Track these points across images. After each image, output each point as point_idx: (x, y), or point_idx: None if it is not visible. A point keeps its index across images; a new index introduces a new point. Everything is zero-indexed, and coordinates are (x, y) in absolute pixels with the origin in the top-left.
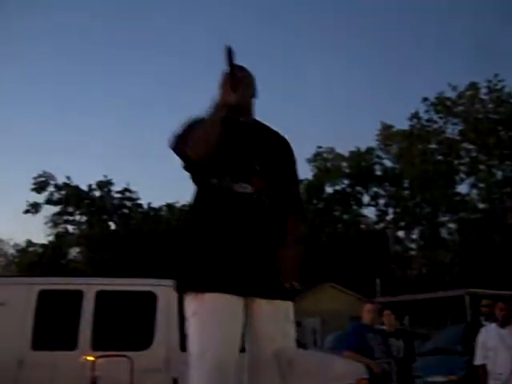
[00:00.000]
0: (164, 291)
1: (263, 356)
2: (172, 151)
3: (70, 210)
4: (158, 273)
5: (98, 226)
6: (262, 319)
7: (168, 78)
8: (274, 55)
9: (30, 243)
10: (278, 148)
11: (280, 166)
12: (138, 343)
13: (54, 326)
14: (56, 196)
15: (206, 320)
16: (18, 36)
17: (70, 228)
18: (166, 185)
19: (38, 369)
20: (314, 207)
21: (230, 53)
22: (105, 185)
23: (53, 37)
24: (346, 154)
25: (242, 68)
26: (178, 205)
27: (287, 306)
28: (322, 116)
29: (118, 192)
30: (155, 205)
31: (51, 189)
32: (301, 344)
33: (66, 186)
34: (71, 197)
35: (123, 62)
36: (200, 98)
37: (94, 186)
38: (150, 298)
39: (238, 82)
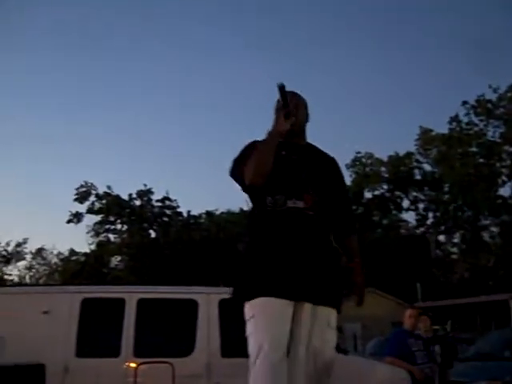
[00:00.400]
0: (205, 298)
1: (299, 359)
2: (231, 178)
3: (112, 219)
4: (198, 280)
5: (139, 235)
6: (303, 324)
7: (207, 85)
8: (311, 57)
9: (72, 252)
10: (327, 168)
11: (330, 185)
12: (179, 350)
13: (97, 333)
14: (97, 205)
15: (258, 322)
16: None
17: (112, 237)
18: (205, 193)
19: (83, 375)
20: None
21: (282, 88)
22: (145, 194)
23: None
24: (385, 159)
25: (295, 94)
26: (218, 212)
27: (330, 313)
28: (360, 121)
29: (157, 201)
30: (195, 213)
31: (93, 198)
32: (341, 349)
33: (107, 195)
34: (112, 206)
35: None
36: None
37: (134, 195)
38: (191, 306)
39: (291, 111)
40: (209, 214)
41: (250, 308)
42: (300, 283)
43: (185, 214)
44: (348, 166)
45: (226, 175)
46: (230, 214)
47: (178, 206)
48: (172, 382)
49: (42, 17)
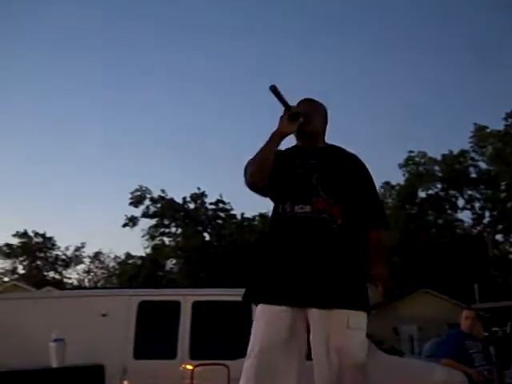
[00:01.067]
0: None
1: (317, 363)
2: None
3: (166, 222)
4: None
5: (193, 238)
6: (316, 328)
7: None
8: (363, 58)
9: (129, 256)
10: (346, 167)
11: (349, 184)
12: (235, 352)
13: (153, 335)
14: (152, 209)
15: (256, 326)
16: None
17: (167, 240)
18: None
19: (140, 377)
20: (406, 212)
21: (274, 91)
22: (198, 197)
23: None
24: (439, 158)
25: (308, 100)
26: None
27: (348, 315)
28: (412, 120)
29: (211, 203)
30: (248, 215)
31: (147, 202)
32: (397, 351)
33: (162, 199)
34: (166, 210)
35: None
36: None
37: (188, 199)
38: (245, 308)
39: (296, 113)
40: (262, 216)
41: (255, 313)
42: (298, 289)
43: (239, 217)
44: (401, 166)
45: None
46: None
47: (232, 209)
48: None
49: None
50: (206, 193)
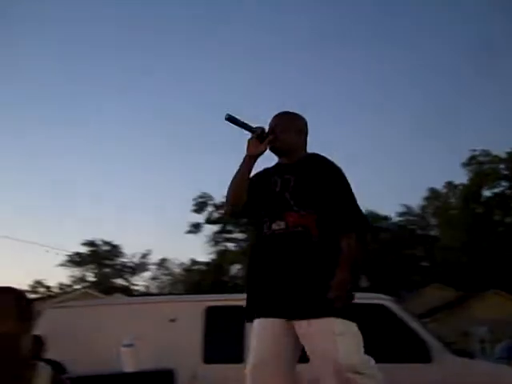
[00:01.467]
0: None
1: (314, 370)
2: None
3: (229, 228)
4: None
5: None
6: (303, 338)
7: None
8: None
9: (194, 262)
10: (320, 178)
11: (324, 195)
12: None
13: (221, 340)
14: (214, 215)
15: (251, 343)
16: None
17: (230, 245)
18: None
19: (210, 381)
20: (471, 212)
21: (229, 119)
22: None
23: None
24: (503, 156)
25: (279, 115)
26: None
27: (327, 322)
28: (474, 119)
29: None
30: None
31: (210, 209)
32: (467, 353)
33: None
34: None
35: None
36: None
37: None
38: None
39: (261, 133)
40: None
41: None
42: (280, 303)
43: None
44: (464, 165)
45: None
46: None
47: None
48: None
49: None
50: None
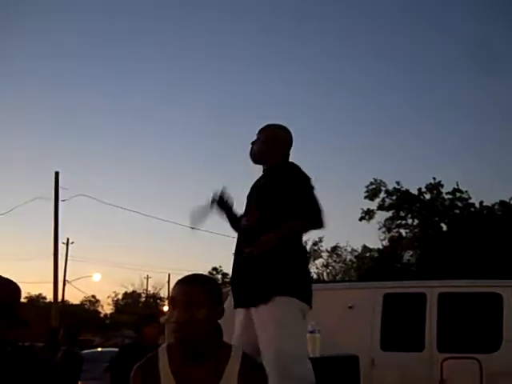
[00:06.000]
0: (510, 291)
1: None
2: None
3: (402, 214)
4: (500, 273)
5: (431, 229)
6: (256, 326)
7: None
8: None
9: (365, 249)
10: (277, 181)
11: (279, 195)
12: (486, 345)
13: (400, 327)
14: (387, 202)
15: None
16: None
17: (403, 232)
18: (497, 182)
19: (388, 368)
20: None
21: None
22: (434, 187)
23: None
24: None
25: (260, 130)
26: None
27: (271, 309)
28: None
29: (448, 193)
30: (487, 203)
31: (383, 195)
32: None
33: (397, 191)
34: (402, 201)
35: None
36: None
37: (423, 189)
38: (495, 299)
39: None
40: (503, 203)
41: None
42: (236, 292)
43: (477, 205)
44: None
45: None
46: None
47: (470, 197)
48: (479, 379)
49: None
50: (442, 182)
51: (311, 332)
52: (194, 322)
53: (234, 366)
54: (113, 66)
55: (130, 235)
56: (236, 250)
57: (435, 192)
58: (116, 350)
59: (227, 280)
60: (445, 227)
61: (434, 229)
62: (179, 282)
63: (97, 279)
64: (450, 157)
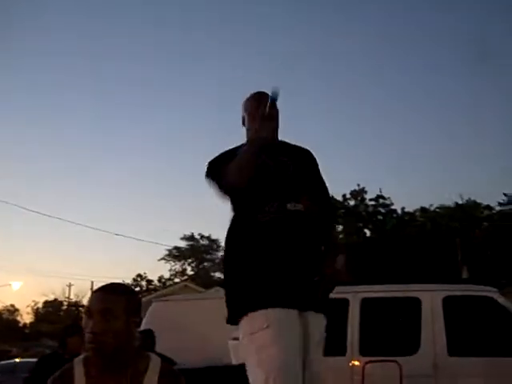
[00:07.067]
0: (428, 296)
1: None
2: (207, 179)
3: None
4: (418, 277)
5: (355, 235)
6: (310, 334)
7: None
8: None
9: None
10: (307, 162)
11: (314, 181)
12: (405, 348)
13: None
14: None
15: (275, 334)
16: None
17: None
18: (418, 189)
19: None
20: None
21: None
22: (359, 193)
23: None
24: None
25: (262, 93)
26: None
27: (322, 319)
28: None
29: (371, 199)
30: (409, 209)
31: None
32: None
33: None
34: None
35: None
36: None
37: (348, 196)
38: (414, 303)
39: (272, 118)
40: (423, 209)
41: (264, 317)
42: (300, 291)
43: (399, 211)
44: None
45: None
46: (443, 208)
47: (392, 204)
48: (399, 381)
49: None
50: (366, 189)
51: (235, 339)
52: (110, 332)
53: (153, 376)
54: None
55: (51, 242)
56: (279, 236)
57: (359, 198)
58: (35, 360)
59: (152, 287)
60: (368, 233)
61: (358, 235)
62: (96, 291)
63: (16, 287)
64: (375, 164)
